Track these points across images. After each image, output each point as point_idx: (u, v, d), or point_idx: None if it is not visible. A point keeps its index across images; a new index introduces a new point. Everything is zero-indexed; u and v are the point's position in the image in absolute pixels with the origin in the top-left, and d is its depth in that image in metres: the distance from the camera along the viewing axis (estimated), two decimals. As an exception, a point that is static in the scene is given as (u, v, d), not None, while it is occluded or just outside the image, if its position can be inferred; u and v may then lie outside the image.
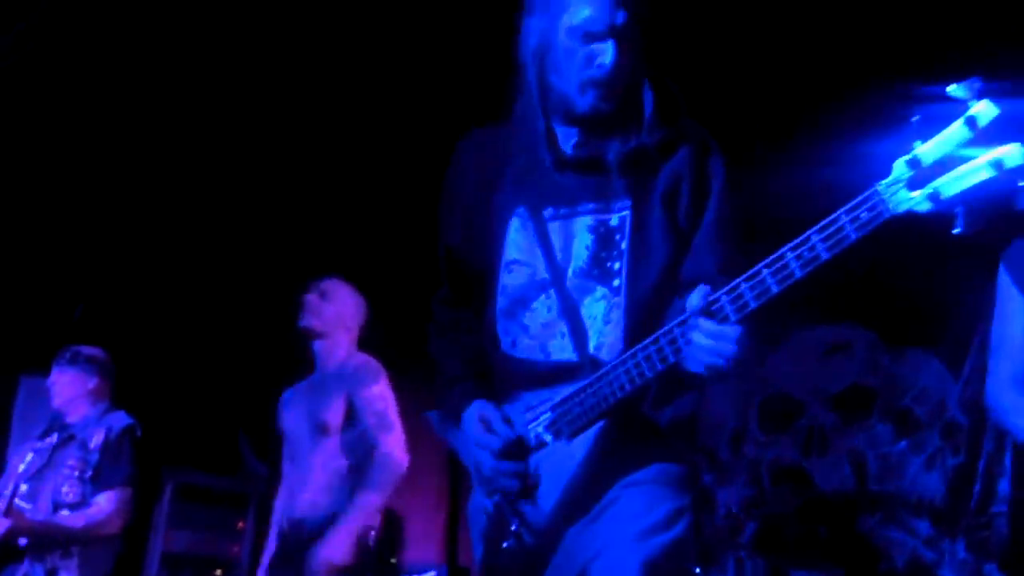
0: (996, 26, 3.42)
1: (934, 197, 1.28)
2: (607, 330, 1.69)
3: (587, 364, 1.67)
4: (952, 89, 1.21)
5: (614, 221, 1.71)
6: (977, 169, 1.25)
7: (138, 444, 3.69)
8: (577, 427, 1.66)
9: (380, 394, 3.37)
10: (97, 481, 3.58)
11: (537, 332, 1.74)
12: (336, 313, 3.56)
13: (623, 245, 1.70)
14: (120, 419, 3.73)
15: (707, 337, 1.47)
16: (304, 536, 3.26)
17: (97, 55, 4.29)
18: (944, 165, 1.27)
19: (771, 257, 1.41)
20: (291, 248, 5.13)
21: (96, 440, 3.64)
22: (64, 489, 3.57)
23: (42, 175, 4.81)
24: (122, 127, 4.72)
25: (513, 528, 1.71)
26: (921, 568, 4.48)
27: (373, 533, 3.33)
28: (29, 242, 4.91)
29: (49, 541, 3.49)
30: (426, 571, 4.97)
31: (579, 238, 1.73)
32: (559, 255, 1.73)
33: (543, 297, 1.75)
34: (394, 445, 3.29)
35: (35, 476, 3.64)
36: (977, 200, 1.26)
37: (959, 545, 4.41)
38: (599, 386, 1.62)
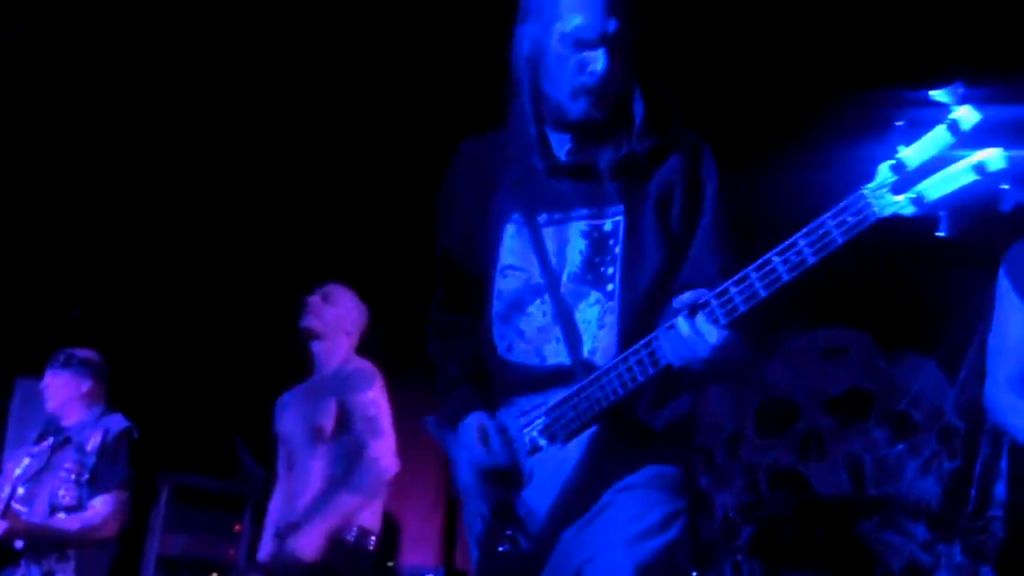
0: (978, 32, 3.45)
1: (918, 201, 1.30)
2: (601, 335, 1.70)
3: (581, 368, 1.67)
4: (935, 94, 1.22)
5: (608, 226, 1.72)
6: (960, 173, 1.26)
7: (135, 447, 3.69)
8: (571, 431, 1.67)
9: (372, 400, 3.38)
10: (94, 484, 3.58)
11: (532, 336, 1.75)
12: (337, 316, 3.57)
13: (617, 250, 1.71)
14: (117, 422, 3.72)
15: (688, 328, 1.49)
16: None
17: (92, 57, 4.31)
18: (928, 169, 1.28)
19: (758, 261, 1.42)
20: (288, 252, 5.14)
21: (93, 443, 3.64)
22: (61, 492, 3.57)
23: (39, 177, 4.82)
24: (120, 129, 4.73)
25: (508, 532, 1.71)
26: (918, 572, 4.48)
27: (374, 538, 3.34)
28: (25, 244, 4.91)
29: (46, 544, 3.49)
30: (423, 574, 4.97)
31: (573, 243, 1.74)
32: (553, 260, 1.74)
33: (538, 302, 1.75)
34: (382, 450, 3.30)
35: (32, 479, 3.64)
36: (961, 203, 1.27)
37: (956, 549, 4.41)
38: (592, 390, 1.63)
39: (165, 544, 4.69)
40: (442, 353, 1.93)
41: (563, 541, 1.69)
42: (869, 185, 1.34)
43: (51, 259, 5.04)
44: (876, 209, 1.33)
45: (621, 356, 1.60)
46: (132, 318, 5.14)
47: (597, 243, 1.72)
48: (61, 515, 3.54)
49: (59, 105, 4.53)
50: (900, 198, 1.31)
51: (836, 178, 1.38)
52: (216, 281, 5.31)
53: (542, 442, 1.71)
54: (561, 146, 1.78)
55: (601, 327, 1.70)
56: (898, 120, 1.30)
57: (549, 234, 1.76)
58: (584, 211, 1.74)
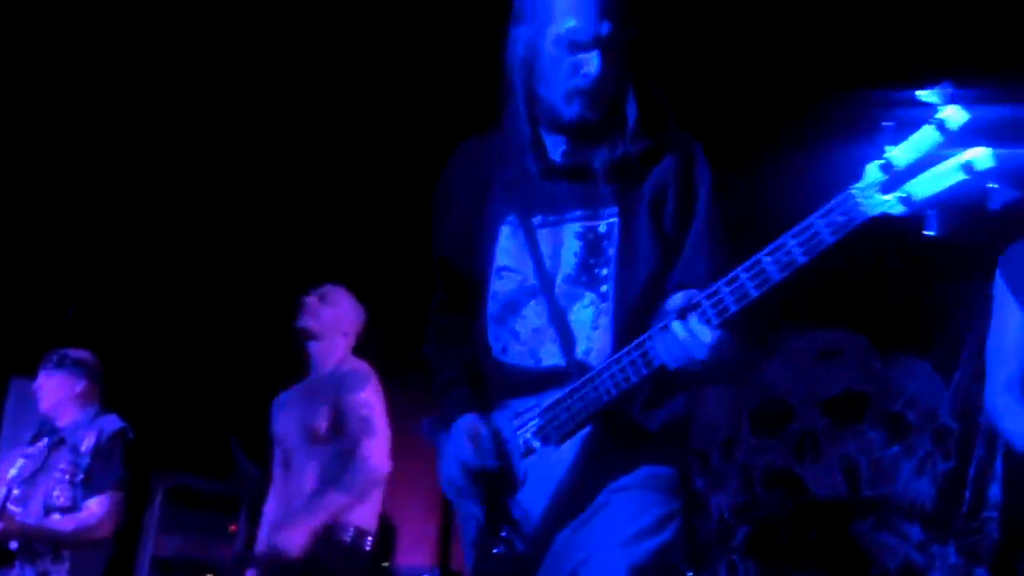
0: (965, 33, 3.46)
1: (906, 200, 1.30)
2: (595, 336, 1.70)
3: (576, 370, 1.68)
4: (923, 94, 1.23)
5: (602, 228, 1.73)
6: (948, 172, 1.26)
7: (129, 447, 3.67)
8: (565, 432, 1.67)
9: (366, 400, 3.37)
10: (88, 485, 3.56)
11: (527, 338, 1.76)
12: (333, 316, 3.57)
13: (611, 252, 1.71)
14: (111, 422, 3.71)
15: (682, 329, 1.49)
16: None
17: (88, 58, 4.31)
18: (916, 168, 1.29)
19: (749, 262, 1.43)
20: (285, 252, 5.14)
21: (87, 444, 3.63)
22: (55, 493, 3.56)
23: (34, 177, 4.82)
24: (116, 130, 4.73)
25: (503, 534, 1.71)
26: (913, 572, 4.49)
27: (370, 538, 3.34)
28: (20, 244, 4.91)
29: (40, 545, 3.48)
30: (419, 575, 4.97)
31: (567, 245, 1.74)
32: (548, 262, 1.74)
33: (533, 303, 1.76)
34: (374, 450, 3.29)
35: (27, 480, 3.63)
36: (949, 202, 1.28)
37: (950, 550, 4.42)
38: (585, 391, 1.63)
39: (160, 545, 4.68)
40: (439, 355, 1.93)
41: (558, 542, 1.69)
42: (858, 185, 1.34)
43: (46, 259, 5.03)
44: (865, 209, 1.33)
45: (614, 357, 1.61)
46: (127, 318, 5.14)
47: (592, 244, 1.73)
48: (56, 516, 3.53)
49: (55, 106, 4.53)
50: (889, 197, 1.31)
51: (825, 178, 1.38)
52: (212, 281, 5.32)
53: (536, 444, 1.71)
54: (556, 148, 1.79)
55: (595, 328, 1.70)
56: (886, 120, 1.31)
57: (544, 236, 1.76)
58: (579, 213, 1.75)
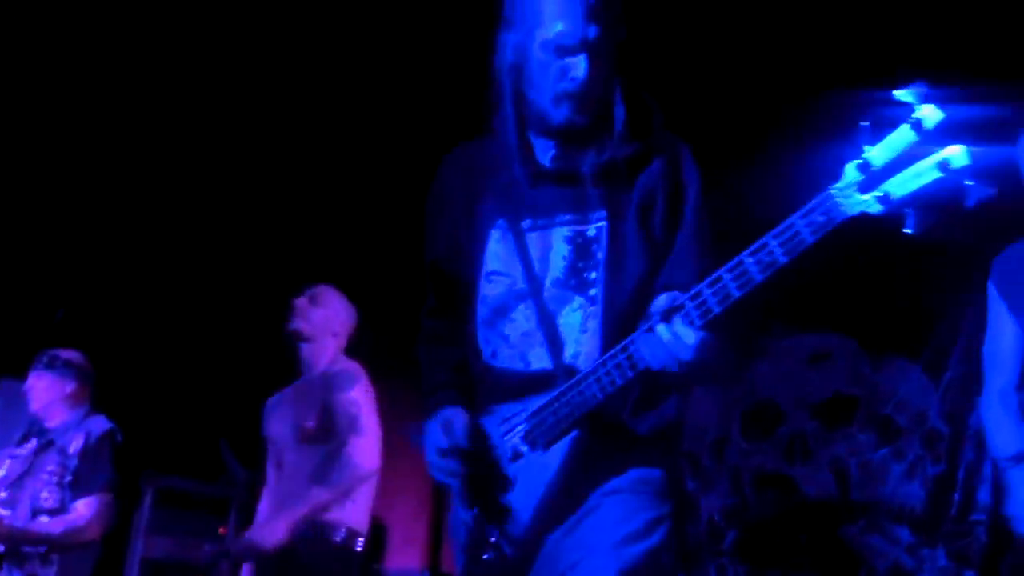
0: (939, 34, 3.48)
1: (884, 199, 1.31)
2: (584, 339, 1.71)
3: (564, 373, 1.68)
4: (899, 94, 1.24)
5: (591, 232, 1.73)
6: (925, 170, 1.27)
7: (118, 449, 3.66)
8: (552, 436, 1.67)
9: (354, 399, 3.37)
10: (77, 487, 3.55)
11: (517, 342, 1.76)
12: (324, 318, 3.57)
13: (600, 255, 1.72)
14: (100, 424, 3.70)
15: (666, 331, 1.50)
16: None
17: (82, 58, 4.31)
18: (893, 167, 1.30)
19: (731, 263, 1.43)
20: (276, 254, 5.14)
21: (75, 445, 3.61)
22: (43, 495, 3.55)
23: (25, 178, 4.81)
24: (107, 131, 4.73)
25: (492, 540, 1.72)
26: (902, 575, 4.50)
27: (361, 539, 3.34)
28: (9, 244, 4.90)
29: (28, 547, 3.46)
30: (410, 577, 4.97)
31: (556, 249, 1.75)
32: (537, 265, 1.75)
33: (522, 307, 1.76)
34: (359, 448, 3.29)
35: (14, 483, 3.62)
36: (926, 200, 1.28)
37: (939, 553, 4.43)
38: (571, 395, 1.63)
39: (149, 547, 4.66)
40: (429, 359, 1.94)
41: (548, 546, 1.69)
42: (837, 185, 1.35)
43: (35, 260, 5.03)
44: (844, 208, 1.34)
45: (600, 360, 1.61)
46: (117, 319, 5.13)
47: (581, 248, 1.73)
48: (44, 518, 3.51)
49: (48, 106, 4.53)
50: (867, 197, 1.32)
51: (806, 178, 1.39)
52: (202, 283, 5.31)
53: (523, 448, 1.71)
54: (545, 152, 1.79)
55: (584, 332, 1.71)
56: (863, 120, 1.32)
57: (533, 239, 1.76)
58: (568, 217, 1.75)
